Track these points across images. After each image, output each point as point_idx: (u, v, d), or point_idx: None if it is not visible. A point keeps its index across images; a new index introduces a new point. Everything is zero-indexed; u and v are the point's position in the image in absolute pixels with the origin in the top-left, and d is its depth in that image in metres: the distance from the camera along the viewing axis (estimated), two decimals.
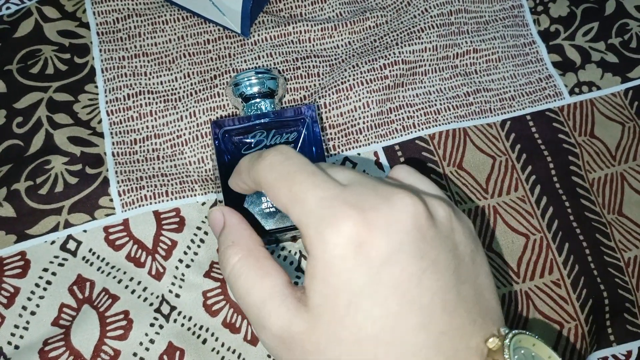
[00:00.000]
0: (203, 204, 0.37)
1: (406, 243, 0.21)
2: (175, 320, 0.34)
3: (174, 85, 0.40)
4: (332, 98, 0.40)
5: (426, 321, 0.21)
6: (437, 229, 0.22)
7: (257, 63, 0.41)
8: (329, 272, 0.21)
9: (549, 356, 0.22)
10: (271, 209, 0.32)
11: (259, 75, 0.35)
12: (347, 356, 0.21)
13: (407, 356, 0.20)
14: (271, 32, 0.42)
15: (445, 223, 0.23)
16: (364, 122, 0.40)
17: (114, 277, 0.34)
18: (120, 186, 0.36)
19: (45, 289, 0.34)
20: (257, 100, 0.35)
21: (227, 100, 0.39)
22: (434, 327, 0.21)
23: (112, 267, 0.35)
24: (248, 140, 0.33)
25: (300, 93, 0.41)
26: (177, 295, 0.34)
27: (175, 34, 0.41)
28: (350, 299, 0.21)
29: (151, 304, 0.34)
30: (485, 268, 0.24)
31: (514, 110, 0.41)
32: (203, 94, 0.40)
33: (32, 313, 0.34)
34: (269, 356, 0.34)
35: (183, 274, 0.35)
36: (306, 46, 0.42)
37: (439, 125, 0.40)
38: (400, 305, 0.20)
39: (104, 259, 0.35)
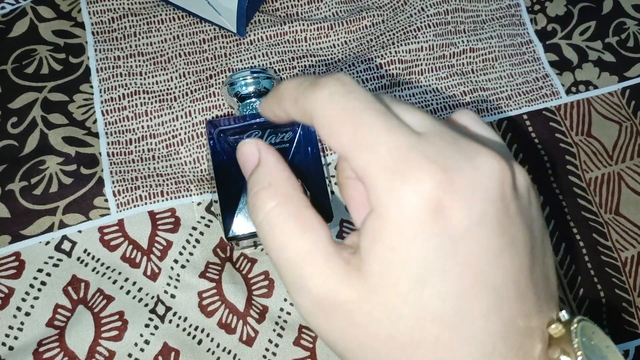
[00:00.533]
0: (198, 204, 0.37)
1: (489, 215, 0.18)
2: (170, 321, 0.34)
3: (169, 85, 0.40)
4: None
5: (498, 305, 0.18)
6: (519, 202, 0.19)
7: (253, 63, 0.41)
8: (399, 236, 0.18)
9: (607, 346, 0.20)
10: None
11: (255, 75, 0.35)
12: (405, 336, 0.18)
13: (473, 342, 0.18)
14: (267, 31, 0.42)
15: (524, 195, 0.20)
16: None
17: (109, 278, 0.34)
18: (115, 186, 0.36)
19: (39, 290, 0.34)
20: (253, 99, 0.35)
21: (222, 100, 0.39)
22: (506, 313, 0.18)
23: (107, 268, 0.35)
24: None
25: None
26: (173, 296, 0.34)
27: (170, 33, 0.41)
28: (420, 271, 0.18)
29: (146, 305, 0.34)
30: (550, 247, 0.21)
31: (511, 110, 0.41)
32: (199, 94, 0.39)
33: (27, 314, 0.33)
34: (264, 357, 0.34)
35: (178, 275, 0.35)
36: (302, 46, 0.42)
37: None
38: (472, 285, 0.18)
39: (98, 259, 0.35)
